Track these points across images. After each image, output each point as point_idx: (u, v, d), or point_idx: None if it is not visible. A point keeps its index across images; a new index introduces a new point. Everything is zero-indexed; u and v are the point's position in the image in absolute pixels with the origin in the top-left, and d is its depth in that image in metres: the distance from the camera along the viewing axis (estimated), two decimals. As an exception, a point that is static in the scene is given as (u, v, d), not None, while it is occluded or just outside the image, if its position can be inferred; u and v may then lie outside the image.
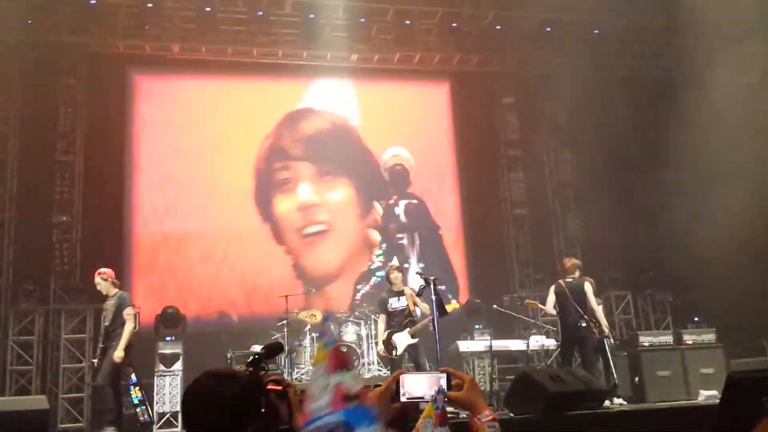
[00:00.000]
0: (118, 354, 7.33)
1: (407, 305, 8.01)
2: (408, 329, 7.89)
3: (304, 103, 12.40)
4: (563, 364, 8.33)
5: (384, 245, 12.05)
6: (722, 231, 9.13)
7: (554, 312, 8.62)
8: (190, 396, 1.88)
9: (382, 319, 8.16)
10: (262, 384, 2.03)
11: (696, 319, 10.44)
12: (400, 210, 12.24)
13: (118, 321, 7.54)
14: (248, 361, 2.28)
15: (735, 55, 9.32)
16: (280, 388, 2.13)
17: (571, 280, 8.35)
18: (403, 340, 7.92)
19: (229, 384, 1.86)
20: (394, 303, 8.06)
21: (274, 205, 11.80)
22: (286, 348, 9.30)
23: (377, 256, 11.95)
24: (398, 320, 8.02)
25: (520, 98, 12.85)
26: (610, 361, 8.34)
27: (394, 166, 12.35)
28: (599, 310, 8.32)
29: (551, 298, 8.46)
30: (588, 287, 8.24)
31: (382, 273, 11.58)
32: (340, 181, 12.16)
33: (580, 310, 8.10)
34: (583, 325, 8.07)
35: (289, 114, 12.24)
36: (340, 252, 11.93)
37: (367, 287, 11.63)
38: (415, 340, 7.87)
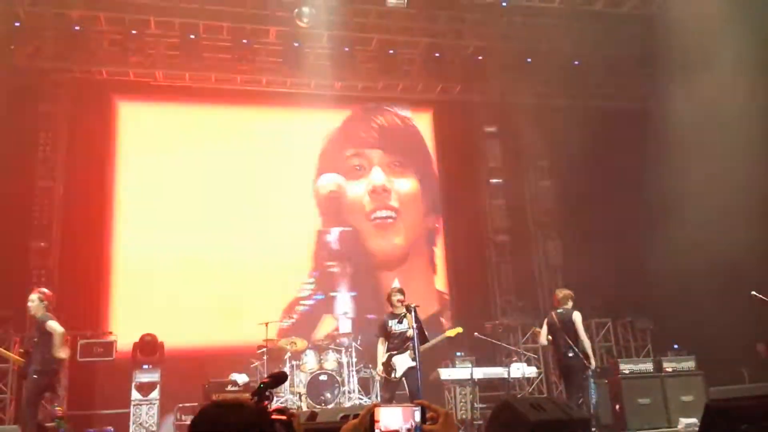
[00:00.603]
0: (61, 354, 7.13)
1: (408, 328, 7.86)
2: (409, 352, 7.79)
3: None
4: (567, 395, 8.31)
5: (315, 273, 11.89)
6: (702, 259, 9.22)
7: (545, 343, 8.68)
8: (197, 426, 1.87)
9: (381, 342, 8.06)
10: (267, 413, 2.03)
11: (676, 346, 10.48)
12: (332, 237, 12.15)
13: (39, 346, 7.21)
14: (254, 390, 2.29)
15: (709, 84, 9.51)
16: (284, 417, 2.12)
17: (562, 311, 8.42)
18: (403, 362, 7.82)
19: (236, 413, 1.86)
20: (395, 326, 7.96)
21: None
22: (266, 376, 9.21)
23: (307, 284, 11.77)
24: (398, 343, 7.91)
25: (501, 127, 12.99)
26: (589, 393, 8.34)
27: (330, 192, 12.33)
28: (586, 341, 8.33)
29: (544, 329, 8.59)
30: (577, 318, 8.29)
31: (310, 302, 11.60)
32: (409, 172, 12.66)
33: (569, 340, 8.14)
34: (571, 355, 8.13)
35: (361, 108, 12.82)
36: (404, 239, 12.38)
37: (295, 316, 11.40)
38: (414, 363, 7.67)
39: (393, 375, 7.83)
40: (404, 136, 12.97)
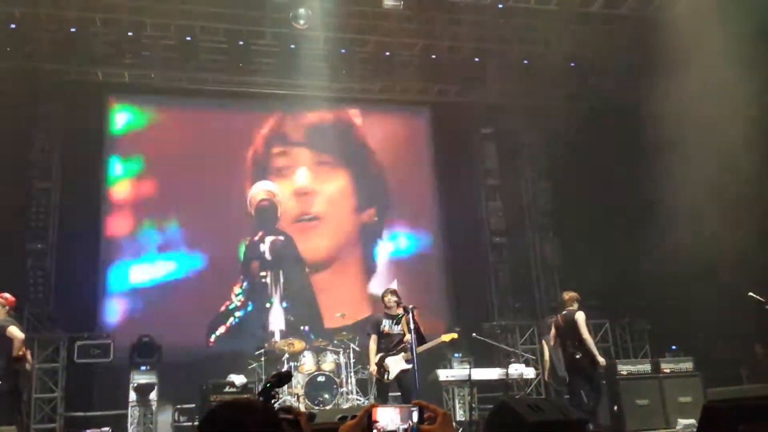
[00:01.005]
0: (22, 358, 7.23)
1: (402, 330, 7.79)
2: (402, 354, 7.72)
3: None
4: (570, 396, 8.37)
5: (245, 284, 11.52)
6: (700, 260, 9.24)
7: (553, 345, 8.77)
8: (208, 427, 1.85)
9: (373, 340, 7.97)
10: (277, 414, 2.02)
11: (674, 347, 10.49)
12: (265, 247, 11.76)
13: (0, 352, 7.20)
14: (261, 389, 2.28)
15: (707, 84, 9.53)
16: (291, 416, 2.11)
17: (566, 313, 8.47)
18: (396, 364, 7.75)
19: (248, 415, 1.85)
20: (388, 326, 7.92)
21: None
22: (264, 377, 9.20)
23: (236, 295, 11.34)
24: (390, 343, 7.85)
25: (498, 128, 13.00)
26: (600, 392, 8.38)
27: (261, 201, 12.01)
28: (590, 340, 8.35)
29: (552, 332, 8.68)
30: (579, 318, 8.32)
31: (240, 314, 11.28)
32: (339, 170, 12.33)
33: (576, 342, 8.20)
34: (578, 356, 8.18)
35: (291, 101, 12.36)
36: (332, 241, 12.06)
37: (223, 329, 11.11)
38: (408, 366, 7.59)
39: (386, 377, 7.76)
40: (336, 131, 12.54)
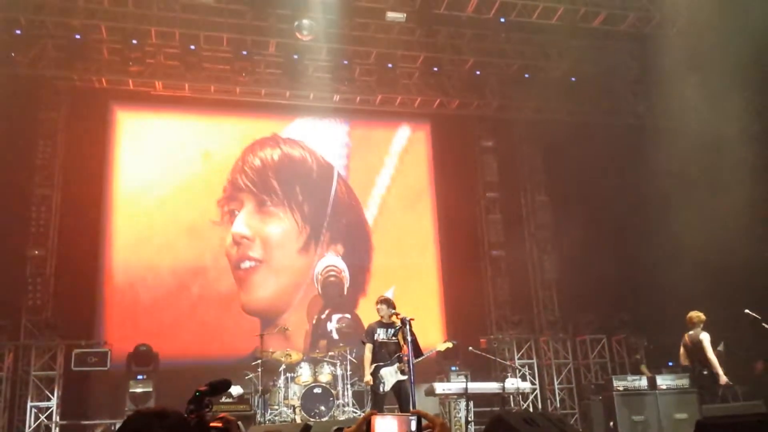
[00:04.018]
0: None
1: (397, 339, 7.68)
2: (397, 365, 7.62)
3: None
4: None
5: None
6: (698, 276, 9.27)
7: (684, 363, 9.01)
8: None
9: (368, 349, 7.80)
10: (188, 422, 2.03)
11: (670, 363, 10.47)
12: (332, 325, 11.63)
13: None
14: (191, 398, 2.18)
15: (705, 101, 9.59)
16: (221, 425, 2.12)
17: (692, 332, 8.67)
18: (391, 375, 7.64)
19: (156, 422, 1.87)
20: (382, 334, 7.79)
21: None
22: (260, 388, 9.18)
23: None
24: (385, 353, 7.72)
25: (498, 141, 13.06)
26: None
27: (328, 277, 11.91)
28: (714, 360, 8.51)
29: (681, 350, 8.98)
30: (704, 338, 8.53)
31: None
32: (282, 210, 12.04)
33: (701, 360, 8.50)
34: (705, 373, 8.47)
35: (253, 144, 12.27)
36: (275, 286, 11.69)
37: None
38: (404, 378, 7.50)
39: (381, 388, 7.64)
40: (289, 168, 12.33)
